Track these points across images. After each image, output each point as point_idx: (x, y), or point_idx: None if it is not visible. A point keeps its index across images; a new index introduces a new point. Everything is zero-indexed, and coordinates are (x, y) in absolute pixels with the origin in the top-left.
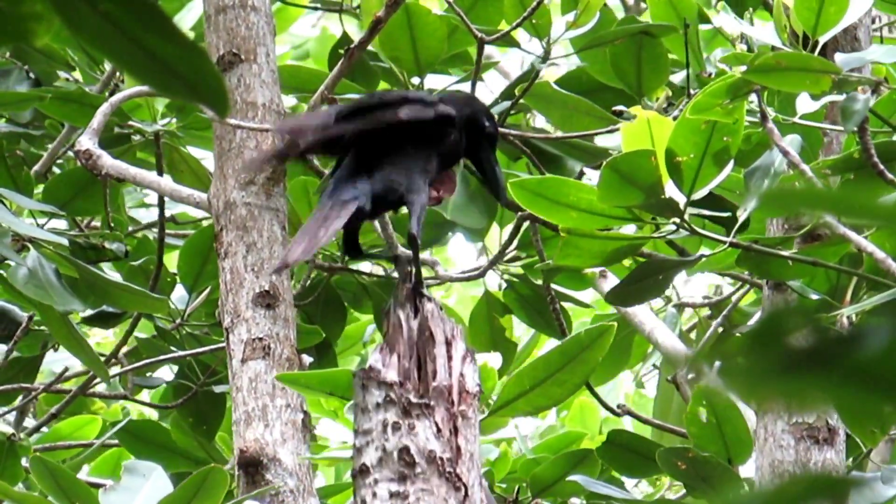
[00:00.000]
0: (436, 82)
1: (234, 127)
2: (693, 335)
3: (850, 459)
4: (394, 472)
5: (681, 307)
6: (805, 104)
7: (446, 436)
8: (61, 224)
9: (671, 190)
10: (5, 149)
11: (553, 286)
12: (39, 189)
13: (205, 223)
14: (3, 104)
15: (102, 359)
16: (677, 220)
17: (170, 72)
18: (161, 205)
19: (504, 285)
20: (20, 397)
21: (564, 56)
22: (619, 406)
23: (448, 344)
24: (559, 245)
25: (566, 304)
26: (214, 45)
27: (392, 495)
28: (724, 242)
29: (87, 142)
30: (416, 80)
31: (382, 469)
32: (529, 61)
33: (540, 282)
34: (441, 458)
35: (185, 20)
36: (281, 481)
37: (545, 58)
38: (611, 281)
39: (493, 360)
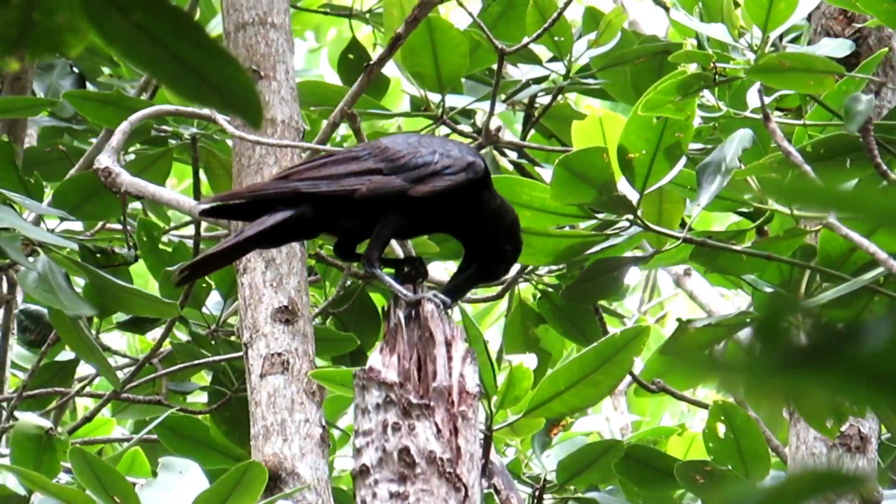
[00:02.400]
0: (457, 101)
1: (253, 143)
2: None
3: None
4: (394, 473)
5: None
6: (756, 99)
7: (446, 436)
8: (77, 226)
9: (624, 186)
10: (47, 143)
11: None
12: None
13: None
14: (14, 110)
15: (135, 364)
16: (630, 216)
17: (203, 82)
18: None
19: (538, 295)
20: (55, 401)
21: (586, 74)
22: (652, 382)
23: (448, 344)
24: None
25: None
26: None
27: (392, 496)
28: (678, 238)
29: (106, 160)
30: (437, 97)
31: (382, 469)
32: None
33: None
34: (441, 459)
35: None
36: (299, 495)
37: (567, 76)
38: (695, 279)
39: (529, 360)
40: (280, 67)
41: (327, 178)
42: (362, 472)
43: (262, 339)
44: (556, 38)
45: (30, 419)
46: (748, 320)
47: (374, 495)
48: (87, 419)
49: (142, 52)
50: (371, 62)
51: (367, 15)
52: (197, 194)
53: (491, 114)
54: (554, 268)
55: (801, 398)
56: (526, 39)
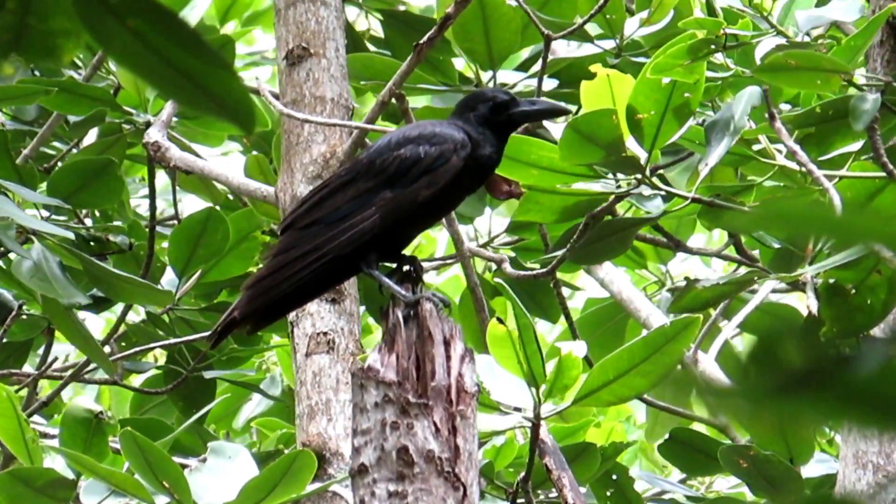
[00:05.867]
0: (507, 77)
1: (301, 121)
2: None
3: None
4: (392, 472)
5: (675, 291)
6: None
7: (445, 435)
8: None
9: (632, 146)
10: (10, 146)
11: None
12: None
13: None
14: (7, 98)
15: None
16: (639, 175)
17: (197, 88)
18: (152, 194)
19: (494, 267)
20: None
21: (637, 53)
22: None
23: (447, 344)
24: (520, 201)
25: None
26: (284, 39)
27: (390, 495)
28: (686, 197)
29: (155, 134)
30: (488, 75)
31: (381, 469)
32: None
33: (530, 264)
34: (440, 458)
35: (190, 16)
36: (343, 475)
37: (618, 54)
38: (605, 266)
39: (578, 348)
40: (330, 45)
41: (336, 216)
42: (361, 471)
43: (308, 317)
44: (607, 16)
45: (79, 403)
46: (756, 279)
47: (373, 494)
48: (45, 403)
49: (136, 58)
50: (421, 42)
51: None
52: (151, 178)
53: (538, 96)
54: (507, 239)
55: (797, 422)
56: (576, 22)
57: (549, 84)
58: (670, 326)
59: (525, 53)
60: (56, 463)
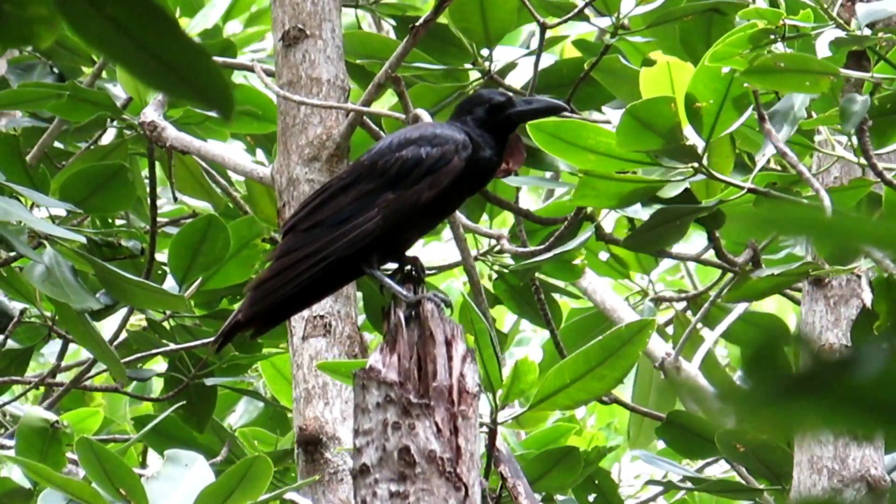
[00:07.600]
0: (504, 55)
1: (298, 103)
2: (670, 329)
3: None
4: (394, 472)
5: (657, 301)
6: (822, 50)
7: (446, 436)
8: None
9: (690, 135)
10: (26, 144)
11: (543, 277)
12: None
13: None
14: (20, 101)
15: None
16: (695, 164)
17: (175, 75)
18: (153, 199)
19: (494, 276)
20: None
21: (633, 31)
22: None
23: (448, 344)
24: (576, 185)
25: (554, 294)
26: (280, 21)
27: (392, 495)
28: (742, 188)
29: (151, 113)
30: (484, 52)
31: (382, 469)
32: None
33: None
34: (441, 458)
35: (210, 15)
36: (340, 460)
37: (615, 32)
38: (588, 276)
39: (534, 354)
40: (326, 26)
41: (338, 218)
42: (362, 472)
43: None
44: None
45: (35, 412)
46: (811, 270)
47: (375, 494)
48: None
49: (114, 45)
50: (417, 23)
51: (374, 5)
52: (152, 184)
53: (534, 84)
54: (507, 246)
55: (797, 428)
56: (572, 3)
57: (548, 59)
58: (625, 329)
59: (523, 29)
60: (13, 473)
